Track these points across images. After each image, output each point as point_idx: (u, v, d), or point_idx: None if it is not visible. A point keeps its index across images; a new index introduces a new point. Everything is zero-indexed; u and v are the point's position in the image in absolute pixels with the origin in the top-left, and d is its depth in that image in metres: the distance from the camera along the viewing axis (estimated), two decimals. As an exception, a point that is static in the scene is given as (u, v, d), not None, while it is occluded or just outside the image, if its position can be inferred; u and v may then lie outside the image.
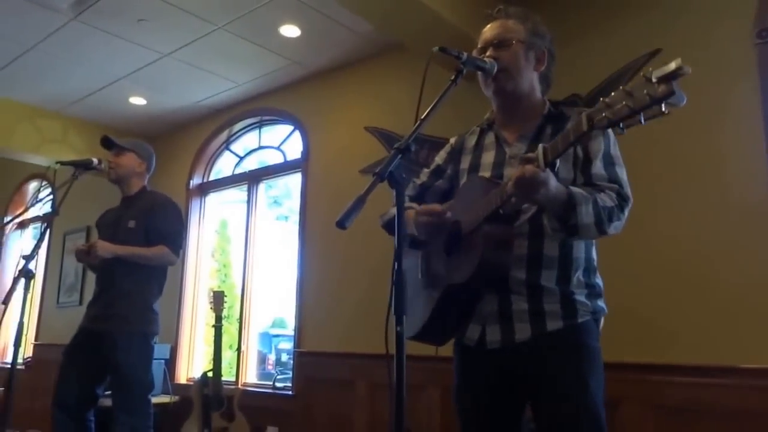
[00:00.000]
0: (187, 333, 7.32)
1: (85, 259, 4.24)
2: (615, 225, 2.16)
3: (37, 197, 9.71)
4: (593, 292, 2.33)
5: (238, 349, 6.75)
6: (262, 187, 7.24)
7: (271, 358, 7.50)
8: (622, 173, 2.27)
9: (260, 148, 7.41)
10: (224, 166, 7.78)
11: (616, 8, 4.50)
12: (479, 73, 2.41)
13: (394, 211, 2.43)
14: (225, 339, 5.93)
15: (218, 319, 5.79)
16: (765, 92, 3.86)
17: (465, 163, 2.59)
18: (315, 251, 6.18)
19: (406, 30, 4.66)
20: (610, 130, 2.29)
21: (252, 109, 7.23)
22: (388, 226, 2.65)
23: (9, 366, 3.62)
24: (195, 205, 7.70)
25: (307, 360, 5.99)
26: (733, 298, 3.75)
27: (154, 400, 4.53)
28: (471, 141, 2.63)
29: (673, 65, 1.59)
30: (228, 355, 6.89)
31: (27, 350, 9.24)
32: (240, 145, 7.67)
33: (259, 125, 7.39)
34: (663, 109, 1.64)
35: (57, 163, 4.23)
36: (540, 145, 1.98)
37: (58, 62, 6.32)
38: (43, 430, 6.49)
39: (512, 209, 2.20)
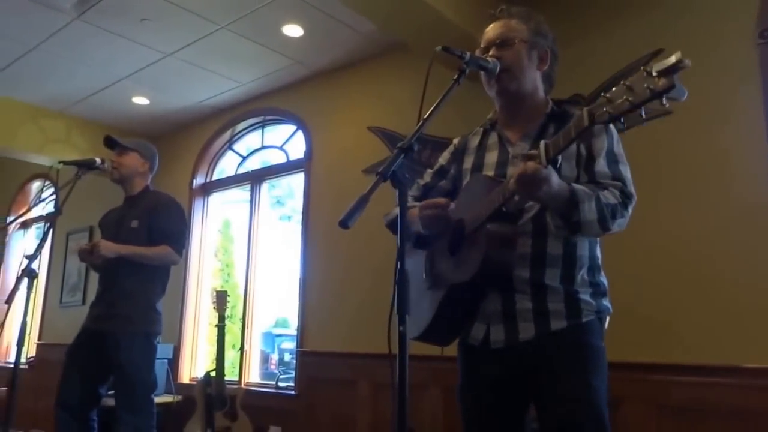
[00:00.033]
0: (190, 333, 7.32)
1: (88, 258, 4.24)
2: (619, 222, 2.16)
3: (40, 197, 9.70)
4: (598, 290, 2.32)
5: (241, 348, 6.74)
6: (265, 186, 7.24)
7: (274, 357, 7.50)
8: (626, 171, 2.27)
9: (263, 147, 7.41)
10: (227, 165, 7.78)
11: (618, 8, 4.50)
12: (482, 73, 2.41)
13: (398, 210, 2.44)
14: (228, 339, 5.93)
15: (221, 318, 5.79)
16: (767, 92, 3.86)
17: (468, 163, 2.59)
18: (318, 251, 6.18)
19: (409, 30, 4.66)
20: (613, 129, 2.30)
21: (255, 109, 7.23)
22: (393, 226, 2.65)
23: (12, 366, 3.62)
24: (198, 204, 7.70)
25: (309, 360, 5.99)
26: (736, 298, 3.75)
27: (157, 399, 4.53)
28: (474, 141, 2.63)
29: (673, 59, 1.59)
30: (231, 355, 6.90)
31: (30, 350, 9.24)
32: (243, 145, 7.67)
33: (262, 125, 7.39)
34: (664, 102, 1.64)
35: (60, 162, 4.24)
36: (542, 142, 1.98)
37: (60, 62, 6.33)
38: (47, 430, 6.50)
39: (515, 208, 2.21)
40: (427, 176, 2.78)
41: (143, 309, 4.26)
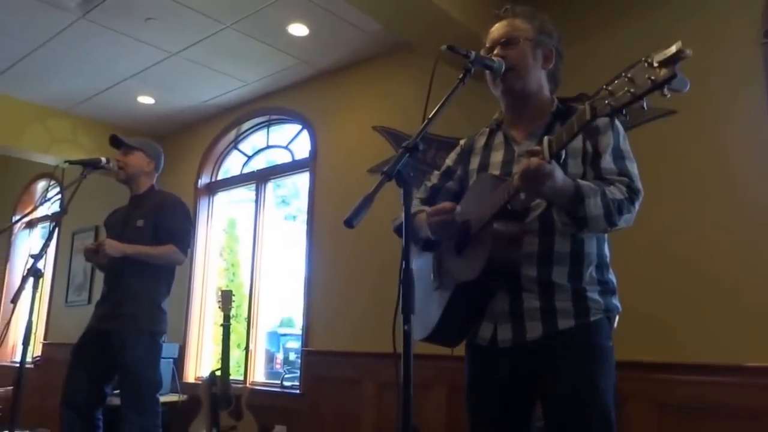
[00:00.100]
0: (195, 332, 7.34)
1: (94, 258, 4.24)
2: (625, 218, 2.15)
3: (45, 196, 9.72)
4: (606, 288, 2.31)
5: (246, 348, 6.75)
6: (270, 186, 7.24)
7: (279, 357, 7.50)
8: (633, 167, 2.26)
9: (268, 147, 7.41)
10: (232, 165, 7.79)
11: (622, 8, 4.50)
12: (487, 72, 2.41)
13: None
14: (233, 338, 5.93)
15: (226, 318, 5.80)
16: (771, 92, 3.86)
17: (474, 163, 2.59)
18: (323, 251, 6.19)
19: (415, 29, 4.65)
20: (620, 125, 2.29)
21: (260, 109, 7.24)
22: (401, 231, 2.65)
23: (18, 365, 3.62)
24: (203, 204, 7.71)
25: (314, 359, 5.99)
26: (739, 297, 3.76)
27: (163, 399, 4.54)
28: (480, 141, 2.63)
29: (673, 48, 1.59)
30: (236, 354, 6.89)
31: (36, 349, 9.27)
32: (248, 145, 7.68)
33: (267, 124, 7.39)
34: (665, 93, 1.63)
35: (65, 162, 4.24)
36: (545, 138, 1.98)
37: (65, 61, 6.34)
38: (52, 429, 6.52)
39: (521, 206, 2.20)
40: (434, 177, 2.78)
41: (148, 308, 4.26)
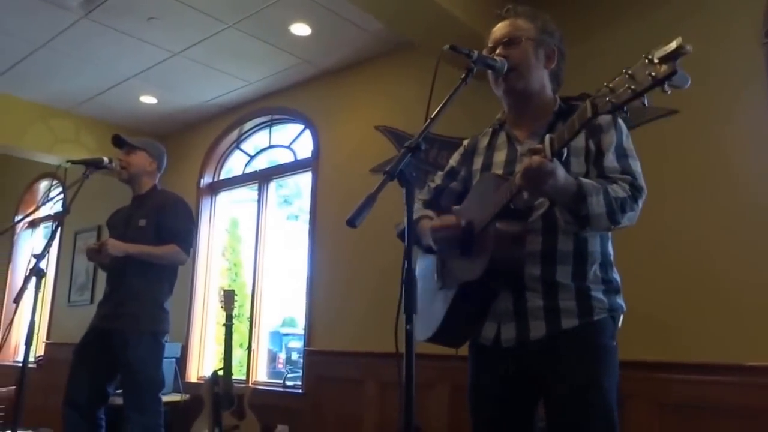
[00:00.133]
0: (197, 332, 7.34)
1: (96, 257, 4.24)
2: (629, 216, 2.15)
3: (47, 196, 9.74)
4: (611, 287, 2.31)
5: (249, 347, 6.76)
6: (272, 186, 7.25)
7: (282, 356, 7.50)
8: (636, 165, 2.26)
9: (270, 147, 7.42)
10: (235, 165, 7.80)
11: (624, 8, 4.50)
12: (489, 72, 2.41)
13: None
14: (235, 338, 5.93)
15: (229, 317, 5.80)
16: (772, 92, 3.86)
17: (477, 163, 2.59)
18: (325, 250, 6.19)
19: (417, 28, 4.65)
20: (622, 124, 2.29)
21: (262, 108, 7.24)
22: (404, 236, 2.65)
23: (20, 364, 3.62)
24: (205, 204, 7.71)
25: (317, 359, 5.99)
26: (739, 297, 3.77)
27: (165, 398, 4.54)
28: (483, 142, 2.63)
29: (674, 44, 1.58)
30: (238, 354, 6.89)
31: (38, 349, 9.28)
32: (250, 144, 7.68)
33: (270, 124, 7.39)
34: (666, 89, 1.63)
35: (68, 162, 4.24)
36: (547, 136, 1.97)
37: (68, 61, 6.34)
38: (55, 429, 6.52)
39: (524, 205, 2.20)
40: (438, 178, 2.78)
41: (151, 308, 4.26)
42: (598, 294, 2.25)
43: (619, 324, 2.33)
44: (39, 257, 3.58)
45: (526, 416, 2.38)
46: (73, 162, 4.21)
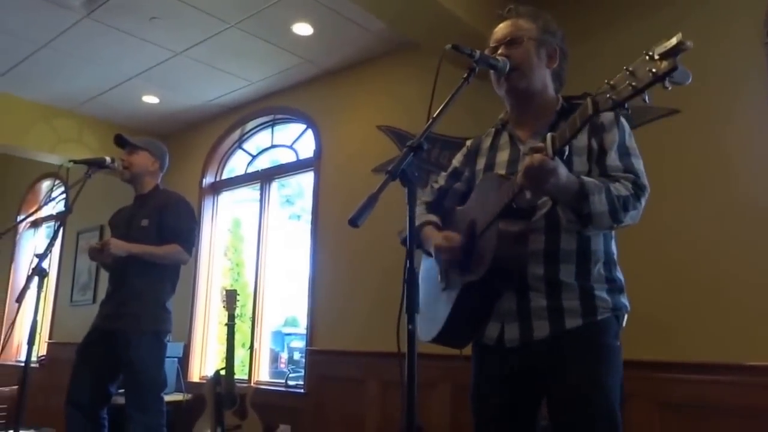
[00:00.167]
0: (200, 331, 7.34)
1: (99, 257, 4.25)
2: (631, 214, 2.14)
3: (50, 196, 9.73)
4: (614, 286, 2.31)
5: (251, 347, 6.75)
6: (274, 185, 7.25)
7: (284, 356, 7.49)
8: (638, 164, 2.26)
9: (273, 146, 7.42)
10: (237, 164, 7.80)
11: (626, 7, 4.50)
12: (492, 72, 2.41)
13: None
14: (238, 337, 5.94)
15: (231, 317, 5.80)
16: (774, 91, 3.86)
17: (481, 164, 2.59)
18: (327, 250, 6.19)
19: (419, 28, 4.65)
20: (625, 123, 2.29)
21: (264, 108, 7.24)
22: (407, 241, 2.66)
23: (23, 364, 3.62)
24: (208, 203, 7.71)
25: (319, 358, 5.99)
26: (739, 297, 3.78)
27: (167, 398, 4.53)
28: (486, 142, 2.63)
29: (674, 40, 1.59)
30: (241, 354, 6.90)
31: (41, 349, 9.27)
32: (252, 144, 7.68)
33: (272, 124, 7.39)
34: (666, 85, 1.63)
35: (70, 161, 4.24)
36: (548, 134, 1.98)
37: (70, 60, 6.35)
38: (58, 428, 6.52)
39: (527, 204, 2.19)
40: (441, 179, 2.78)
41: (153, 307, 4.26)
42: (601, 293, 2.25)
43: (624, 324, 2.32)
44: (41, 257, 3.58)
45: (529, 416, 2.38)
46: (76, 162, 4.21)
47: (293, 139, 7.10)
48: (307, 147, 6.84)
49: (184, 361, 7.00)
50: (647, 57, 1.65)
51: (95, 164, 4.11)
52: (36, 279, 3.54)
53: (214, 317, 7.42)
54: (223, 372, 5.71)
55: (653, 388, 3.88)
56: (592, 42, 4.46)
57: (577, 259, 2.25)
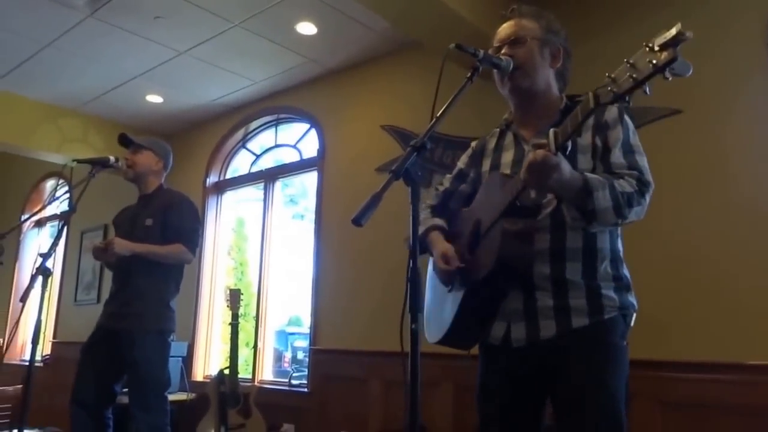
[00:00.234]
0: (203, 331, 7.35)
1: (103, 256, 4.25)
2: (636, 210, 2.14)
3: (54, 195, 9.75)
4: (621, 284, 2.30)
5: (255, 346, 6.76)
6: (278, 185, 7.26)
7: (287, 355, 7.49)
8: (643, 161, 2.25)
9: (276, 146, 7.42)
10: (241, 164, 7.80)
11: (628, 7, 4.49)
12: (495, 71, 2.41)
13: (420, 229, 2.46)
14: (241, 337, 5.94)
15: (235, 317, 5.81)
16: (775, 91, 3.86)
17: (486, 165, 2.59)
18: (331, 250, 6.19)
19: (423, 27, 4.65)
20: (629, 121, 2.29)
21: (268, 107, 7.24)
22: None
23: (27, 363, 3.63)
24: (211, 203, 7.72)
25: (322, 358, 6.00)
26: (739, 296, 3.79)
27: (171, 397, 4.54)
28: (491, 143, 2.64)
29: (673, 30, 1.59)
30: (244, 353, 6.90)
31: (45, 348, 9.28)
32: (256, 143, 7.69)
33: (276, 123, 7.40)
34: (667, 76, 1.63)
35: (74, 161, 4.25)
36: (551, 130, 1.98)
37: (74, 60, 6.35)
38: (62, 428, 6.54)
39: (532, 203, 2.20)
40: (446, 181, 2.78)
41: (157, 307, 4.26)
42: (608, 292, 2.25)
43: (632, 323, 2.32)
44: (45, 256, 3.58)
45: (534, 416, 2.38)
46: (79, 161, 4.21)
47: (297, 139, 7.10)
48: (310, 146, 6.84)
49: (188, 361, 7.01)
50: (647, 48, 1.66)
51: (99, 163, 4.11)
52: (40, 278, 3.54)
53: (218, 316, 7.43)
54: (226, 371, 5.71)
55: (654, 387, 3.88)
56: (593, 42, 4.45)
57: (583, 257, 2.25)
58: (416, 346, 1.78)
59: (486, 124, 2.72)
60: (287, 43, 5.90)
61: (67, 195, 6.74)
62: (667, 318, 3.93)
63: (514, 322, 2.29)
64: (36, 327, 3.53)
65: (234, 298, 5.85)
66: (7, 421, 5.82)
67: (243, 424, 5.63)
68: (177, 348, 6.09)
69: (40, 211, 5.56)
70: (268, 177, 7.25)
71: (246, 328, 7.39)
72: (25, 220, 10.15)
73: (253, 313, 7.02)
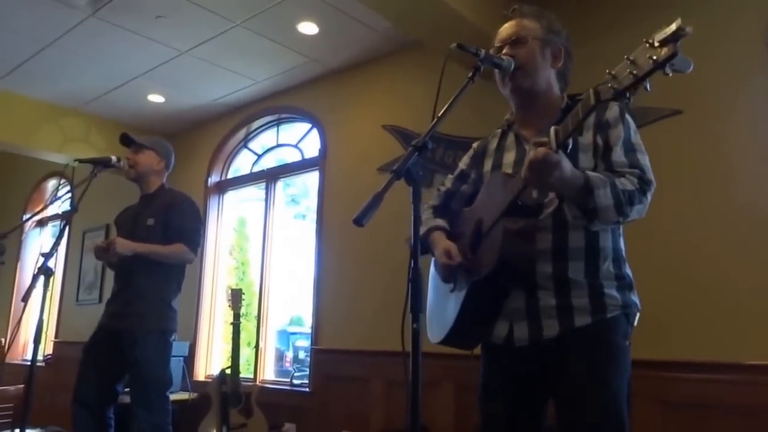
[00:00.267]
0: (205, 330, 7.35)
1: (104, 256, 4.25)
2: (637, 208, 2.14)
3: (56, 195, 9.75)
4: (623, 283, 2.31)
5: (256, 346, 6.76)
6: (279, 185, 7.26)
7: (289, 355, 7.50)
8: (644, 159, 2.25)
9: (278, 146, 7.42)
10: (242, 163, 7.80)
11: (628, 9, 4.49)
12: (496, 71, 2.42)
13: (422, 229, 2.46)
14: (243, 336, 5.94)
15: (236, 316, 5.81)
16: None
17: (488, 165, 2.60)
18: (332, 249, 6.19)
19: (425, 27, 4.65)
20: (630, 119, 2.30)
21: (270, 107, 7.24)
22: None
23: (29, 363, 3.63)
24: (213, 202, 7.72)
25: (324, 357, 6.00)
26: (739, 296, 3.79)
27: (173, 396, 4.55)
28: (493, 144, 2.64)
29: (673, 26, 1.59)
30: (246, 353, 6.90)
31: (47, 348, 9.30)
32: (258, 143, 7.69)
33: (277, 123, 7.40)
34: (667, 71, 1.63)
35: (75, 160, 4.24)
36: (552, 127, 1.98)
37: (75, 59, 6.35)
38: (64, 427, 6.54)
39: (534, 202, 2.20)
40: (448, 182, 2.79)
41: (159, 307, 4.26)
42: (611, 291, 2.25)
43: (635, 323, 2.32)
44: (47, 256, 3.58)
45: (537, 416, 2.38)
46: (81, 161, 4.21)
47: (298, 139, 7.10)
48: (312, 146, 6.84)
49: (189, 360, 7.01)
50: (647, 44, 1.66)
51: (101, 163, 4.11)
52: (42, 278, 3.54)
53: (220, 316, 7.44)
54: (228, 371, 5.72)
55: (654, 387, 3.88)
56: (594, 43, 4.45)
57: (585, 256, 2.25)
58: (417, 346, 1.78)
59: (487, 124, 2.73)
60: (289, 43, 5.90)
61: (69, 195, 6.73)
62: (667, 318, 3.93)
63: (517, 321, 2.30)
64: (38, 327, 3.54)
65: (236, 297, 5.86)
66: (9, 420, 5.82)
67: (244, 424, 5.63)
68: (179, 347, 6.08)
69: (41, 210, 5.55)
70: (270, 177, 7.25)
71: (247, 327, 7.39)
72: (27, 220, 10.17)
73: (255, 313, 7.03)
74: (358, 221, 1.77)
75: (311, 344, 6.16)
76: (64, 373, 6.34)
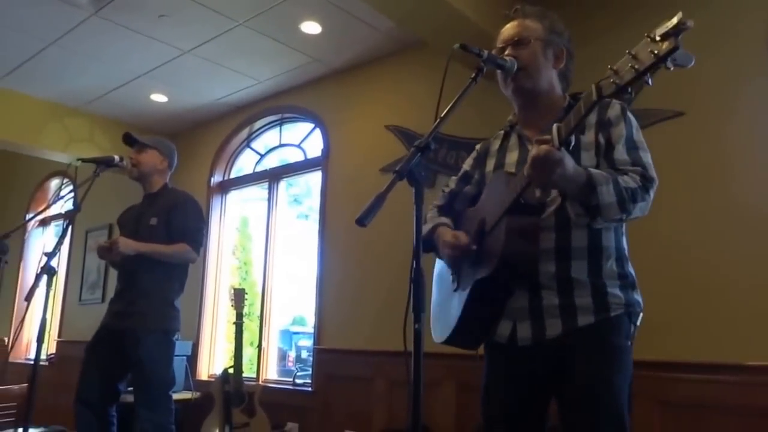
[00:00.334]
0: (208, 330, 7.35)
1: (107, 255, 4.25)
2: (640, 206, 2.14)
3: (59, 194, 9.77)
4: (626, 282, 2.30)
5: (259, 346, 6.77)
6: (282, 185, 7.25)
7: (291, 355, 7.51)
8: (646, 157, 2.25)
9: (281, 145, 7.42)
10: (245, 163, 7.80)
11: (629, 10, 4.49)
12: (498, 72, 2.42)
13: (426, 227, 2.45)
14: (246, 336, 5.95)
15: (239, 316, 5.82)
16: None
17: (490, 165, 2.60)
18: (335, 249, 6.19)
19: (428, 27, 4.65)
20: (632, 118, 2.30)
21: (273, 107, 7.24)
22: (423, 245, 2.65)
23: (32, 362, 3.63)
24: (216, 202, 7.72)
25: (326, 357, 6.00)
26: (738, 297, 3.79)
27: (176, 396, 4.55)
28: (495, 144, 2.64)
29: (674, 20, 1.59)
30: (249, 352, 6.91)
31: (50, 347, 9.30)
32: (261, 143, 7.69)
33: (280, 123, 7.40)
34: (668, 66, 1.63)
35: (78, 160, 4.25)
36: (554, 125, 1.98)
37: (78, 58, 6.36)
38: (67, 426, 6.55)
39: (537, 201, 2.20)
40: (452, 183, 2.79)
41: (161, 306, 4.27)
42: (614, 290, 2.25)
43: (638, 323, 2.32)
44: (50, 255, 3.59)
45: (538, 416, 2.38)
46: (84, 160, 4.21)
47: (301, 138, 7.10)
48: (315, 146, 6.84)
49: (192, 360, 7.02)
50: (649, 39, 1.67)
51: (104, 163, 4.11)
52: (45, 277, 3.55)
53: (223, 316, 7.44)
54: (231, 370, 5.73)
55: (653, 388, 3.88)
56: (596, 44, 4.43)
57: (588, 255, 2.25)
58: (419, 346, 1.78)
59: (490, 124, 2.73)
60: (292, 43, 5.90)
61: (72, 194, 6.74)
62: (667, 318, 3.93)
63: (520, 321, 2.29)
64: (41, 326, 3.54)
65: (238, 297, 5.86)
66: (13, 419, 5.83)
67: (247, 423, 5.64)
68: (181, 347, 6.10)
69: (44, 210, 5.55)
70: (273, 176, 7.26)
71: (250, 327, 7.41)
72: (30, 219, 10.17)
73: (258, 313, 7.03)
74: (361, 221, 1.77)
75: (314, 344, 6.16)
76: (67, 372, 6.34)
